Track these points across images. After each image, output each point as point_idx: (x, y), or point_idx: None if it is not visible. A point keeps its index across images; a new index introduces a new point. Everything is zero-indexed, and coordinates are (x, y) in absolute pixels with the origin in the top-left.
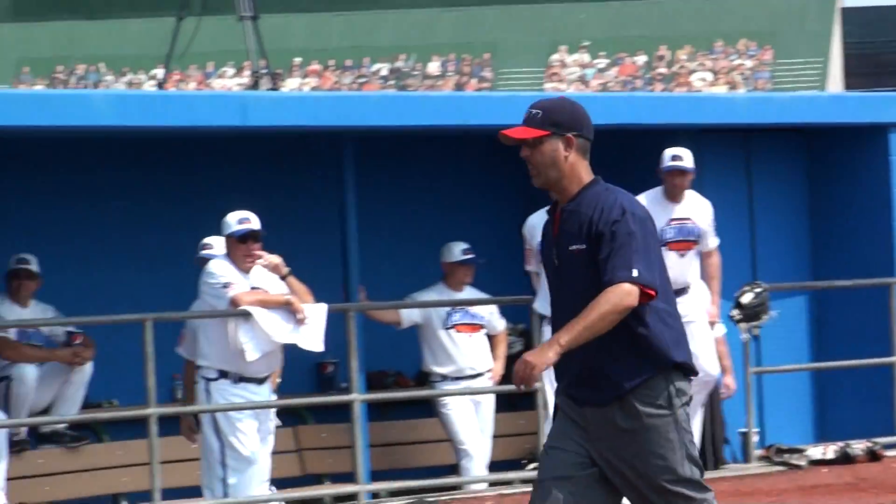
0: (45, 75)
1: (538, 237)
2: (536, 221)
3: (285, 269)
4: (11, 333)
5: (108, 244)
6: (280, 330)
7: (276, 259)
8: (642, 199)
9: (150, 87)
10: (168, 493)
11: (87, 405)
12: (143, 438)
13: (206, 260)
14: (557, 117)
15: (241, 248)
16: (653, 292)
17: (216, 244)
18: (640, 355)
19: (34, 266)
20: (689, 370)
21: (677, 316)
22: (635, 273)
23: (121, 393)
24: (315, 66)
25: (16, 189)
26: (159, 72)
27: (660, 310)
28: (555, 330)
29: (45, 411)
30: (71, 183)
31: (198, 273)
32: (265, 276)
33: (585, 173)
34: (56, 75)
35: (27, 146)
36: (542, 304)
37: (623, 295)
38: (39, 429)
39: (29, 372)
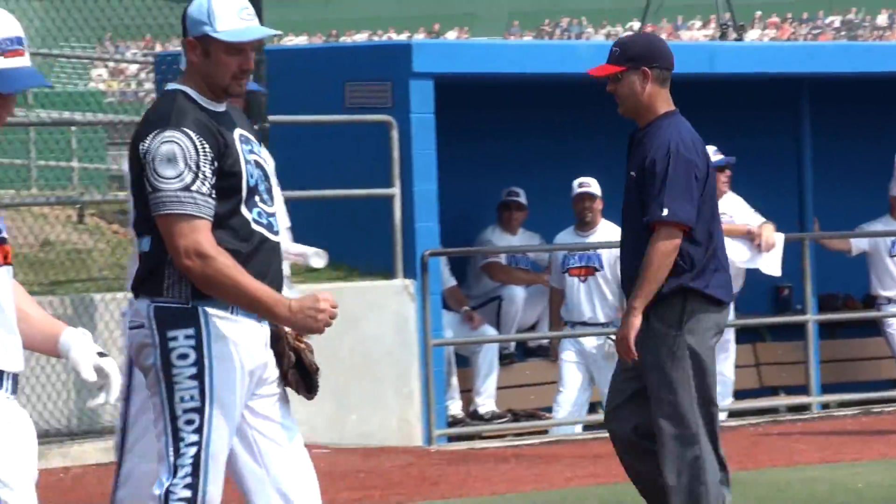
0: (532, 28)
1: None
2: None
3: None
4: (502, 258)
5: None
6: (742, 255)
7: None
8: None
9: None
10: None
11: None
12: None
13: None
14: (633, 52)
15: None
16: (686, 228)
17: None
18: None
19: (522, 198)
20: (712, 300)
21: (715, 256)
22: (665, 212)
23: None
24: (774, 19)
25: (507, 128)
26: (635, 24)
27: (687, 248)
28: (623, 258)
29: (532, 328)
30: (554, 122)
31: None
32: (732, 205)
33: (663, 103)
34: (543, 27)
35: (517, 91)
36: None
37: (664, 240)
38: (526, 343)
39: (518, 293)
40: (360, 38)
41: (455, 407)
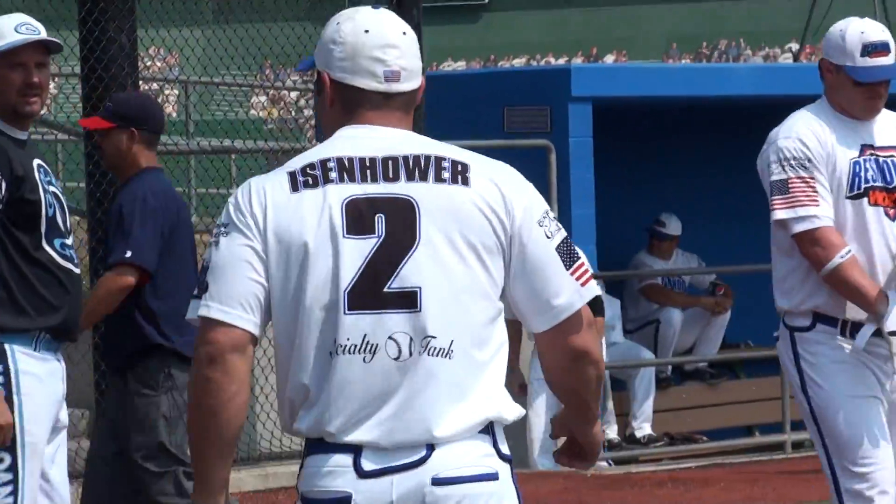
0: (690, 50)
1: None
2: None
3: None
4: (659, 281)
5: (742, 200)
6: None
7: None
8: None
9: (785, 59)
10: (795, 425)
11: (725, 345)
12: (775, 376)
13: None
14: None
15: None
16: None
17: None
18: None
19: (669, 229)
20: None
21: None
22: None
23: (755, 334)
24: None
25: (664, 151)
26: (794, 45)
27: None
28: None
29: (689, 351)
30: (711, 145)
31: None
32: None
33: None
34: (701, 50)
35: (674, 114)
36: None
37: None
38: (683, 367)
39: (675, 315)
40: (518, 62)
41: (611, 431)
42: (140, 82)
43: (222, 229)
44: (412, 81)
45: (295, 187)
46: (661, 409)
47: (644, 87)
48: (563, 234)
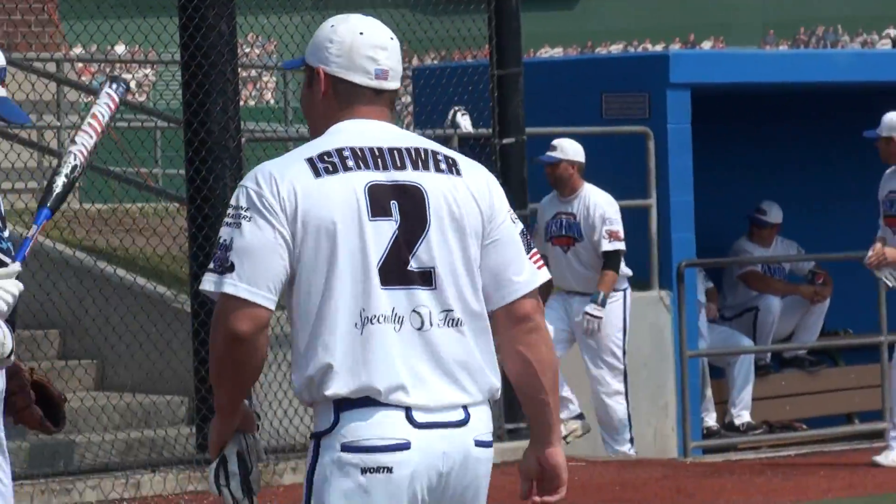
0: (788, 36)
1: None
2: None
3: None
4: (758, 267)
5: (842, 187)
6: None
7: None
8: None
9: (883, 45)
10: None
11: (824, 333)
12: (875, 363)
13: None
14: None
15: None
16: None
17: None
18: None
19: (770, 217)
20: None
21: None
22: None
23: (855, 322)
24: None
25: (762, 137)
26: (892, 31)
27: None
28: None
29: (788, 338)
30: (809, 131)
31: None
32: None
33: None
34: (798, 36)
35: (772, 100)
36: None
37: None
38: (782, 354)
39: (774, 303)
40: (615, 49)
41: (710, 418)
42: (239, 69)
43: (243, 212)
44: (397, 81)
45: (317, 173)
46: (760, 396)
47: (743, 73)
48: (522, 226)
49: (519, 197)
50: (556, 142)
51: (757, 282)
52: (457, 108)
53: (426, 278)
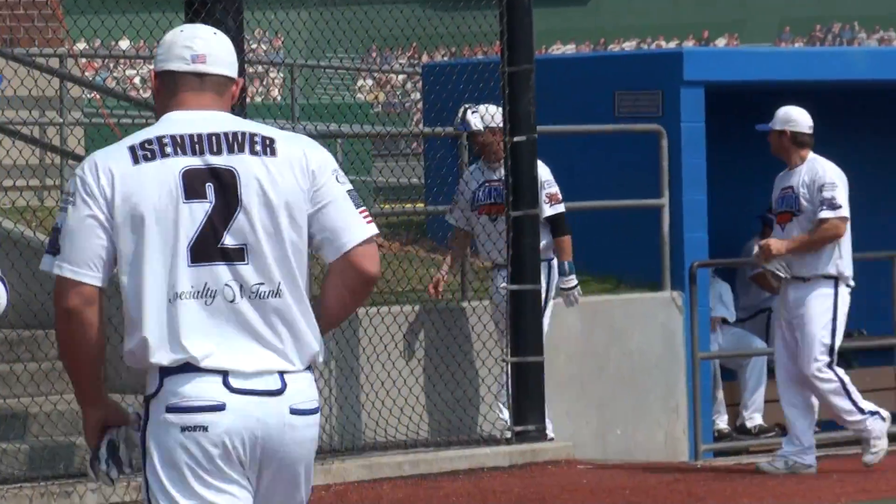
0: (804, 34)
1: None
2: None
3: None
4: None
5: (856, 187)
6: None
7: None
8: None
9: None
10: None
11: None
12: (890, 365)
13: None
14: None
15: None
16: None
17: None
18: None
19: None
20: None
21: None
22: None
23: (869, 323)
24: None
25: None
26: None
27: None
28: None
29: None
30: (822, 132)
31: None
32: None
33: None
34: (814, 34)
35: (786, 98)
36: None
37: None
38: None
39: None
40: (629, 46)
41: (721, 421)
42: (246, 65)
43: (69, 198)
44: (220, 67)
45: (136, 160)
46: (773, 398)
47: (758, 71)
48: (350, 186)
49: (529, 196)
50: (471, 115)
51: (769, 283)
52: (467, 105)
53: (239, 254)
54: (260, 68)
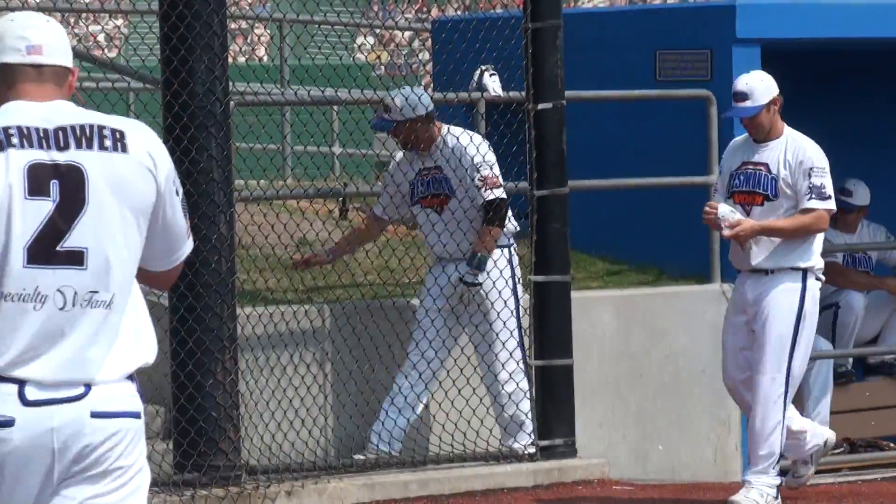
0: None
1: None
2: None
3: None
4: (838, 258)
5: None
6: None
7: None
8: None
9: None
10: None
11: None
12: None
13: None
14: None
15: None
16: None
17: None
18: None
19: (856, 199)
20: None
21: None
22: None
23: None
24: None
25: (839, 105)
26: None
27: None
28: None
29: (873, 341)
30: None
31: None
32: None
33: None
34: None
35: (856, 58)
36: None
37: None
38: (866, 359)
39: (857, 299)
40: None
41: None
42: (227, 20)
43: None
44: (57, 57)
45: None
46: (840, 409)
47: (822, 27)
48: (182, 192)
49: (557, 172)
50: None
51: (837, 275)
52: (484, 67)
53: (77, 258)
54: (244, 24)
